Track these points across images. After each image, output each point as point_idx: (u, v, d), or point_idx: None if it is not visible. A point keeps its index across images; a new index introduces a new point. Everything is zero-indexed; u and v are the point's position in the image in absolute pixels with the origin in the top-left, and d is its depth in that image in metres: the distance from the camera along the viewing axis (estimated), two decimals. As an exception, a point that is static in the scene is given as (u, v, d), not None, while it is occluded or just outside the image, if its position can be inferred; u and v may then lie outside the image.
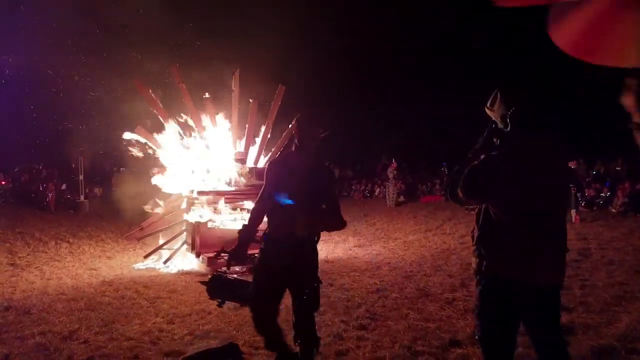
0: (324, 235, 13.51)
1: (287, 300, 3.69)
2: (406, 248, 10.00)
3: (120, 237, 11.39)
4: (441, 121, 24.26)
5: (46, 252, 9.83)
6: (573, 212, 12.36)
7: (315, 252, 3.62)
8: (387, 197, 18.08)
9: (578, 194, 13.00)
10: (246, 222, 3.71)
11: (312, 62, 21.78)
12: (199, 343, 4.88)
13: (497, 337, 2.67)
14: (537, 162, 2.54)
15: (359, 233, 12.04)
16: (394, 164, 18.26)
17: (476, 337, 2.74)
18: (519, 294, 2.57)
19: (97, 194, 19.94)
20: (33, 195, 17.00)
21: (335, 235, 11.71)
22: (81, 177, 17.73)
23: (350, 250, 10.03)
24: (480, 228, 2.69)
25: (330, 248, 10.25)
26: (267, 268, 3.55)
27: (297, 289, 3.55)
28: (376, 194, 20.40)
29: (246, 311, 5.89)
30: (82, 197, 17.62)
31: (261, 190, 3.70)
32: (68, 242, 10.95)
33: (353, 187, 22.18)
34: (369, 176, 22.77)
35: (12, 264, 8.72)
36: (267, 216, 3.63)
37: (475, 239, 2.73)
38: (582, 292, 6.30)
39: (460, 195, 2.62)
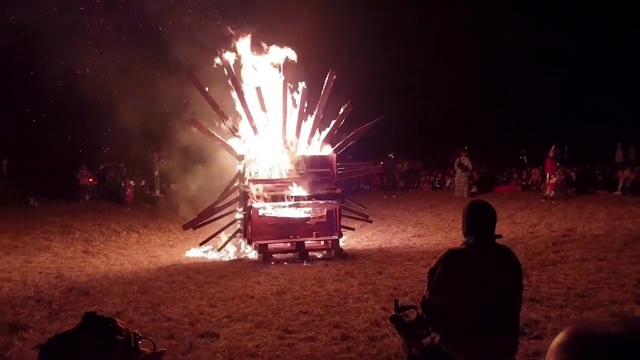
0: (381, 226, 13.01)
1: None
2: (469, 238, 9.43)
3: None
4: (522, 108, 23.08)
5: (116, 242, 10.41)
6: None
7: None
8: (456, 187, 17.32)
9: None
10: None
11: (384, 48, 21.51)
12: (234, 325, 4.88)
13: None
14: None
15: (420, 223, 11.58)
16: (464, 152, 17.44)
17: None
18: None
19: (173, 189, 20.93)
20: (114, 191, 18.18)
21: (394, 225, 11.37)
22: (156, 173, 18.67)
23: (408, 240, 9.66)
24: None
25: (387, 237, 9.96)
26: None
27: None
28: (447, 184, 19.61)
29: (287, 296, 5.86)
30: (157, 192, 18.56)
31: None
32: (138, 232, 11.54)
33: (422, 178, 21.53)
34: (440, 167, 21.94)
35: (85, 252, 9.32)
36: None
37: None
38: None
39: None
